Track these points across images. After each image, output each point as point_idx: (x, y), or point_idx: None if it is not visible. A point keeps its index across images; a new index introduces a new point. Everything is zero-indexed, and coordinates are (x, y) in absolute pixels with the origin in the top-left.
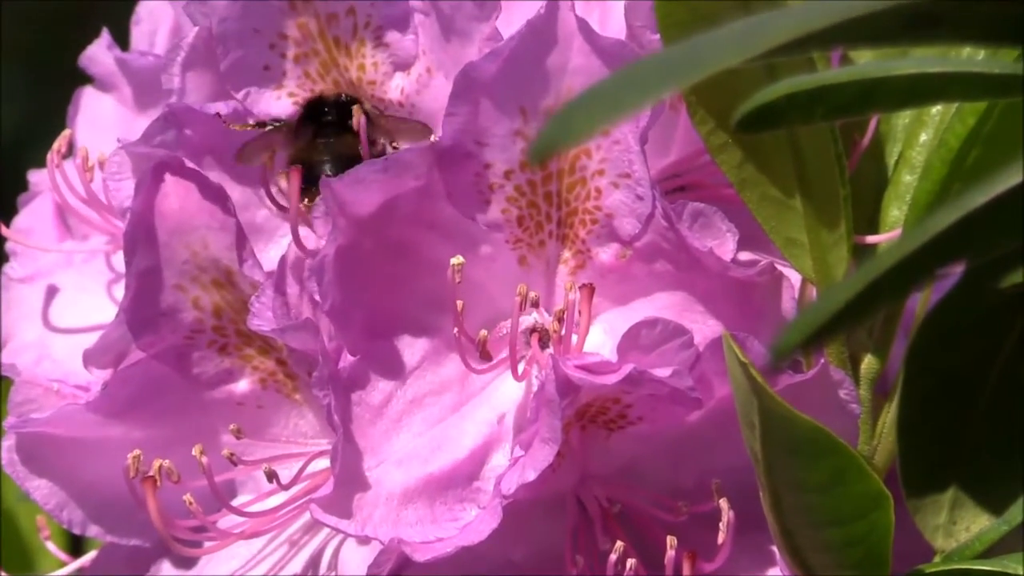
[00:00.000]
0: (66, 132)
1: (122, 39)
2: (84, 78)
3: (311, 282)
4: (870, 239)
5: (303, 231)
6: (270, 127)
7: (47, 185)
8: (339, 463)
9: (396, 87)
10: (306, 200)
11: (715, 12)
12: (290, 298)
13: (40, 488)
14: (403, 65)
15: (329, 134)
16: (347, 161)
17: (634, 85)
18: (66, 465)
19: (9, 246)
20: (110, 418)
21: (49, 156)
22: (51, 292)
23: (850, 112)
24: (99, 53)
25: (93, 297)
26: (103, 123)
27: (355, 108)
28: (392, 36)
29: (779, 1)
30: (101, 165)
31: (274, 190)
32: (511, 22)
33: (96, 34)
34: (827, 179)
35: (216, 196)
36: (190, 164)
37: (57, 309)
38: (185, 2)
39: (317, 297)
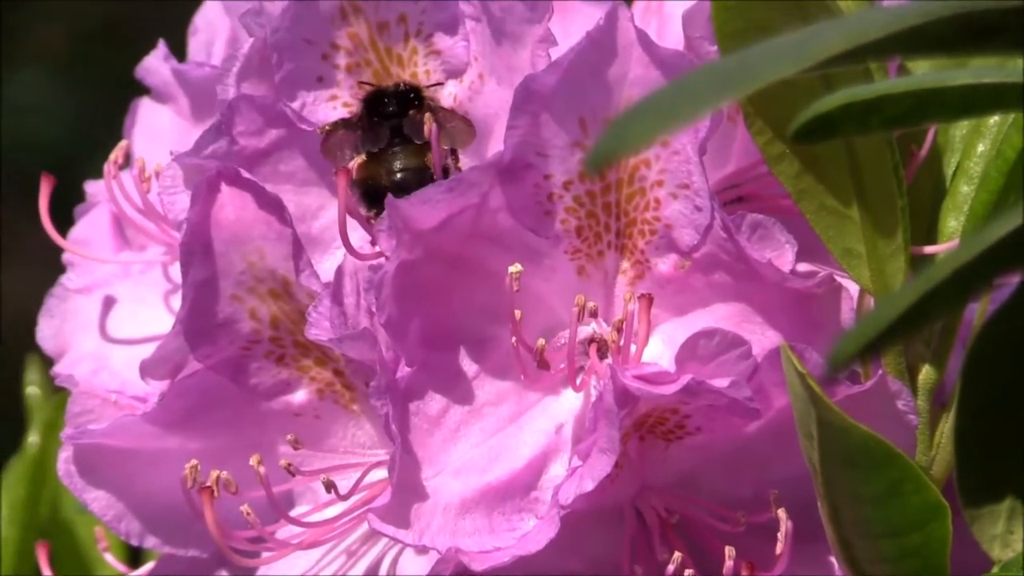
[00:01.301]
0: (123, 143)
1: (176, 50)
2: (139, 89)
3: (369, 294)
4: (928, 250)
5: (354, 235)
6: (337, 124)
7: (104, 196)
8: (397, 473)
9: (449, 94)
10: (374, 212)
11: (772, 22)
12: (347, 308)
13: (98, 500)
14: (455, 72)
15: (396, 143)
16: (414, 171)
17: (690, 95)
18: (123, 476)
19: (66, 257)
20: (167, 429)
21: (106, 167)
22: (108, 303)
23: (906, 123)
24: (156, 64)
25: (150, 308)
26: (160, 134)
27: (427, 116)
28: (443, 43)
29: (835, 11)
30: (158, 176)
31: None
32: (567, 31)
33: (150, 45)
34: (884, 190)
35: (272, 206)
36: (246, 174)
37: (114, 320)
38: (241, 12)
39: (374, 308)
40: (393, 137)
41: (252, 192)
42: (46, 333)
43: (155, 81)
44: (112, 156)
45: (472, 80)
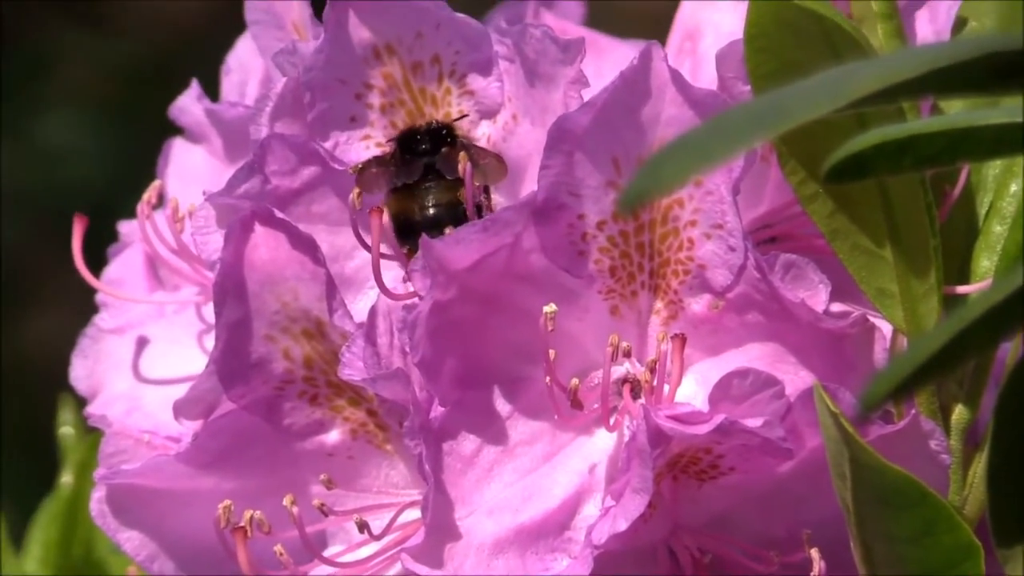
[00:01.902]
0: (156, 183)
1: (210, 91)
2: (172, 129)
3: (403, 334)
4: (960, 289)
5: (387, 275)
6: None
7: (137, 236)
8: (430, 513)
9: (483, 135)
10: (407, 248)
11: (805, 62)
12: (381, 348)
13: (131, 540)
14: (489, 113)
15: (428, 179)
16: (448, 207)
17: (723, 135)
18: (157, 516)
19: (100, 297)
20: (201, 469)
21: (139, 207)
22: (141, 343)
23: (939, 162)
24: (189, 104)
25: (184, 348)
26: (193, 174)
27: (462, 155)
28: (477, 83)
29: (868, 51)
30: (192, 216)
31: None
32: (600, 70)
33: (183, 86)
34: (917, 230)
35: (306, 246)
36: (280, 214)
37: (148, 360)
38: (274, 52)
39: (408, 348)
40: (426, 173)
41: (286, 232)
42: (79, 373)
43: (188, 121)
44: (145, 196)
45: (506, 120)
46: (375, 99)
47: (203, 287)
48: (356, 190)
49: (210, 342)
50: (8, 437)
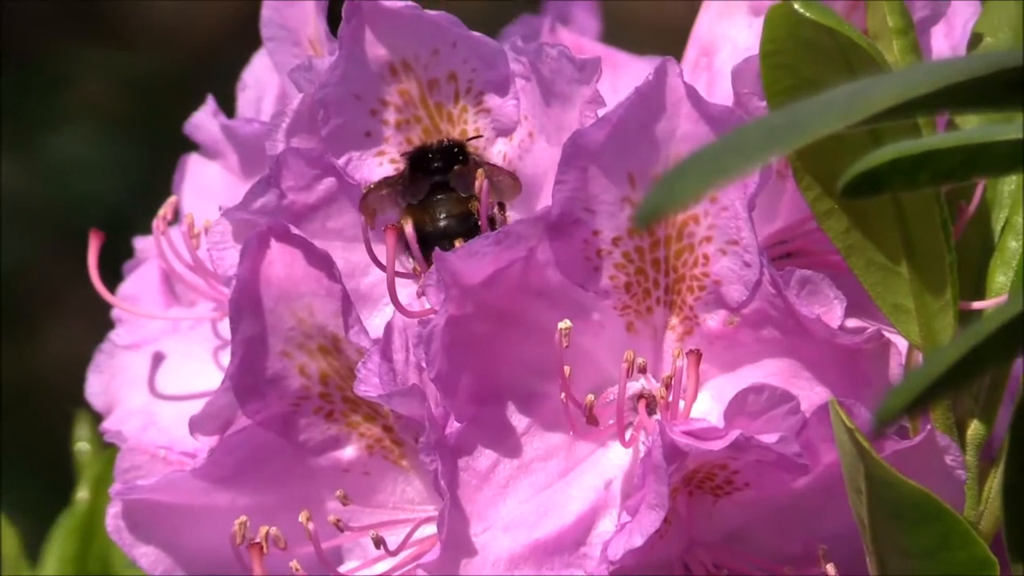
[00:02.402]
0: (172, 199)
1: (226, 106)
2: (188, 144)
3: (419, 349)
4: (976, 305)
5: (402, 292)
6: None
7: (153, 252)
8: (446, 528)
9: (498, 153)
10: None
11: (821, 79)
12: (396, 364)
13: (147, 555)
14: (505, 131)
15: (440, 193)
16: (460, 219)
17: (737, 151)
18: (172, 532)
19: (115, 313)
20: (216, 485)
21: (155, 223)
22: (157, 359)
23: (954, 178)
24: (204, 120)
25: (199, 364)
26: (209, 190)
27: (479, 172)
28: (493, 101)
29: (884, 67)
30: (207, 232)
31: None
32: (616, 86)
33: (200, 100)
34: (933, 245)
35: (322, 262)
36: (295, 230)
37: (163, 376)
38: (290, 68)
39: (424, 364)
40: (436, 189)
41: (301, 248)
42: (95, 389)
43: (204, 137)
44: (161, 212)
45: (522, 138)
46: (390, 115)
47: (219, 303)
48: (367, 211)
49: (226, 358)
50: (24, 452)
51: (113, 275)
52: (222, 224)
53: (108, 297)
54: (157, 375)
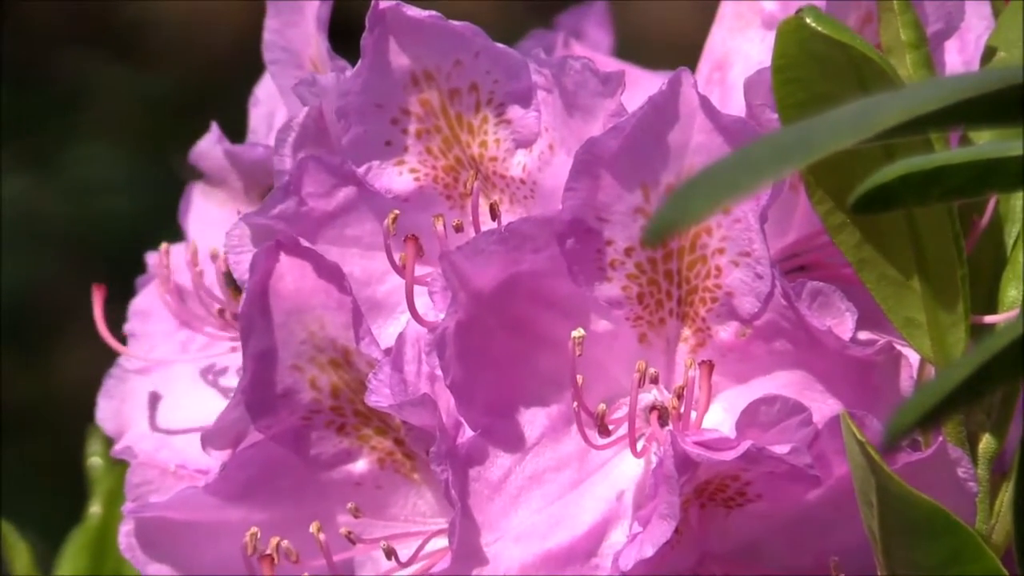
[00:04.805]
0: (164, 246)
1: (242, 124)
2: None
3: (431, 357)
4: (988, 319)
5: (419, 301)
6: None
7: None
8: (457, 538)
9: (518, 164)
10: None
11: (833, 93)
12: (407, 375)
13: (160, 572)
14: (525, 142)
15: None
16: None
17: (750, 166)
18: (185, 549)
19: (127, 328)
20: (229, 500)
21: (156, 258)
22: (167, 382)
23: (966, 193)
24: (208, 148)
25: (209, 387)
26: (214, 219)
27: (491, 205)
28: (515, 112)
29: (896, 82)
30: (214, 259)
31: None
32: (631, 100)
33: (216, 119)
34: (945, 259)
35: (332, 275)
36: (305, 243)
37: (174, 399)
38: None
39: (438, 371)
40: None
41: (311, 261)
42: (105, 414)
43: (208, 165)
44: (162, 247)
45: (542, 150)
46: (411, 125)
47: (224, 331)
48: (392, 214)
49: (234, 381)
50: (37, 469)
51: (128, 292)
52: (240, 228)
53: (115, 346)
54: (167, 398)
